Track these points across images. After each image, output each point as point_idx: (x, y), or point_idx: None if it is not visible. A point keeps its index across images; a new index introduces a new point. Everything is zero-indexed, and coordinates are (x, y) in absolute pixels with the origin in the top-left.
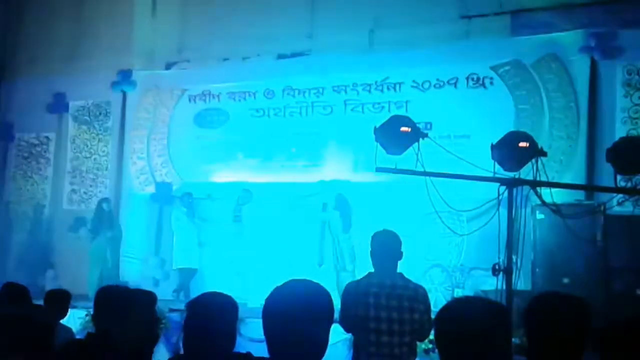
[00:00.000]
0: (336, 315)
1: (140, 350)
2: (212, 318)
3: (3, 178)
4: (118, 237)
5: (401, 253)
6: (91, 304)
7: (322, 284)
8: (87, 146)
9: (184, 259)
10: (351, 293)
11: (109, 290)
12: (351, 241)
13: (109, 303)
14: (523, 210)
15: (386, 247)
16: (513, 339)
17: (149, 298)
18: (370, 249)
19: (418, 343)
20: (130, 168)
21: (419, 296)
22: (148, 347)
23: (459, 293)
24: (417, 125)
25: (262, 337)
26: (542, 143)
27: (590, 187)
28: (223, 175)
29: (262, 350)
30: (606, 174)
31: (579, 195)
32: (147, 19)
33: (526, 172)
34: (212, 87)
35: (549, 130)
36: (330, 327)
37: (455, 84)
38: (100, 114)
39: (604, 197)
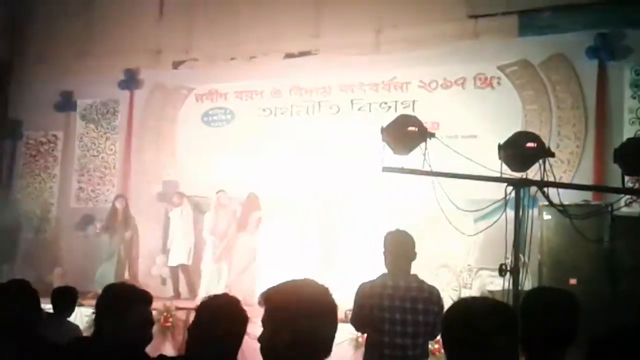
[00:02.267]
0: None
1: (131, 351)
2: (218, 320)
3: (11, 176)
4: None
5: (415, 253)
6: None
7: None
8: (95, 144)
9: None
10: (365, 294)
11: (110, 288)
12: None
13: (105, 302)
14: (530, 210)
15: (400, 248)
16: None
17: (144, 298)
18: (383, 249)
19: None
20: (137, 166)
21: (433, 298)
22: (139, 348)
23: (466, 293)
24: (424, 125)
25: None
26: (549, 143)
27: (597, 188)
28: (229, 174)
29: None
30: (614, 175)
31: (586, 195)
32: (154, 18)
33: (533, 172)
34: (219, 86)
35: (556, 131)
36: (334, 325)
37: (462, 84)
38: (107, 112)
39: (611, 197)
